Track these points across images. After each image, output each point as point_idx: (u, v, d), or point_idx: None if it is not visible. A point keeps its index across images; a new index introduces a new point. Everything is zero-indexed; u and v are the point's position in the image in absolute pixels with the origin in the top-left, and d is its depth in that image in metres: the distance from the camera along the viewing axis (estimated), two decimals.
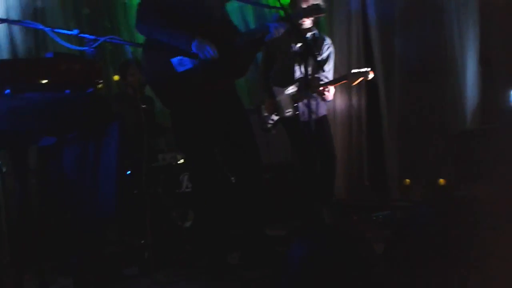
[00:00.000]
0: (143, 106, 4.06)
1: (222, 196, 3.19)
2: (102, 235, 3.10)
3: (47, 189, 3.17)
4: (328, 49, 3.95)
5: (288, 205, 4.30)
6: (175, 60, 2.94)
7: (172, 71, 2.94)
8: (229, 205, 3.24)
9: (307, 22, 3.84)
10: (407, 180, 4.39)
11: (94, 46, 2.59)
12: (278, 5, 2.95)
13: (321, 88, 3.67)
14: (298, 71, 3.83)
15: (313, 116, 3.66)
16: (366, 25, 4.71)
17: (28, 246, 2.64)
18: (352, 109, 4.76)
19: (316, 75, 3.79)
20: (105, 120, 2.62)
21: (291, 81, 3.83)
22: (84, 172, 2.84)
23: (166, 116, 3.89)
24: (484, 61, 3.89)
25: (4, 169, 2.58)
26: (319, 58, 3.89)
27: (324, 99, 3.75)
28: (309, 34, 3.89)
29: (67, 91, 2.44)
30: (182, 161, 4.24)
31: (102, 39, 2.56)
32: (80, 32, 2.64)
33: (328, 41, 3.98)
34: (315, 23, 4.00)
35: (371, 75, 3.61)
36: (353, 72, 3.64)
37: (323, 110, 3.94)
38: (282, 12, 3.05)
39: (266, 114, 3.93)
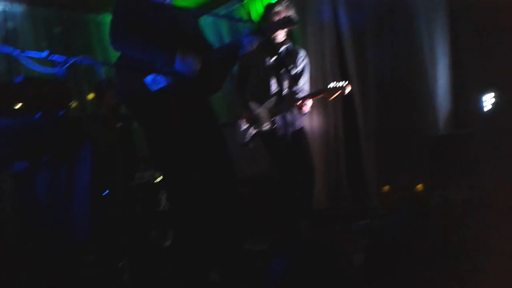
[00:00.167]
0: (118, 125, 4.03)
1: (201, 213, 3.16)
2: (79, 257, 3.05)
3: (21, 214, 3.12)
4: (302, 61, 3.97)
5: (267, 219, 4.29)
6: (148, 79, 2.91)
7: (145, 90, 2.91)
8: (209, 222, 3.22)
9: (281, 35, 3.86)
10: (386, 187, 4.42)
11: (65, 67, 2.56)
12: (251, 19, 2.96)
13: (298, 102, 3.68)
14: (274, 85, 3.84)
15: (291, 129, 3.68)
16: (339, 35, 4.75)
17: (2, 272, 2.59)
18: (328, 119, 4.79)
19: (292, 88, 3.81)
20: (77, 142, 2.59)
21: (267, 95, 3.84)
22: (57, 196, 2.81)
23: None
24: (455, 67, 3.94)
25: None
26: (294, 71, 3.91)
27: (301, 112, 3.77)
28: (283, 48, 3.91)
29: (38, 114, 2.42)
30: (160, 179, 4.21)
31: (72, 60, 2.52)
32: (52, 53, 2.60)
33: (302, 53, 4.00)
34: (289, 36, 4.02)
35: (348, 89, 3.62)
36: (331, 87, 3.64)
37: (300, 122, 3.96)
38: (254, 26, 3.06)
39: (243, 128, 3.93)
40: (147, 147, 3.25)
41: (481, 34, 3.69)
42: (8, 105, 2.33)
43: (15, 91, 2.38)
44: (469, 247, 2.30)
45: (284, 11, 3.78)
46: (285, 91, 3.71)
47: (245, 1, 5.35)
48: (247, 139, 3.92)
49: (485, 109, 3.28)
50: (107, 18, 5.91)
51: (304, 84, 3.95)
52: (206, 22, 5.94)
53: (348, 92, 3.71)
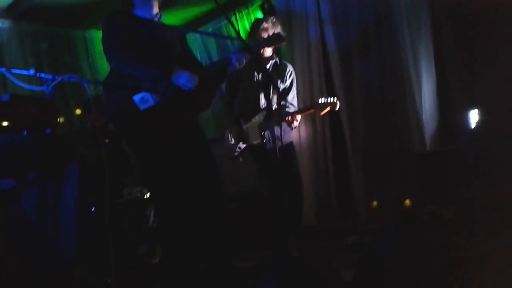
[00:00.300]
0: (106, 141, 4.01)
1: (190, 229, 3.15)
2: (66, 275, 3.01)
3: (8, 233, 3.08)
4: (290, 76, 3.99)
5: (256, 235, 4.27)
6: (137, 97, 2.91)
7: (134, 109, 2.91)
8: (197, 238, 3.20)
9: (268, 51, 3.89)
10: (375, 203, 4.43)
11: (52, 85, 2.54)
12: (239, 36, 2.97)
13: (288, 118, 3.69)
14: (263, 100, 3.85)
15: (280, 144, 3.68)
16: (325, 52, 4.79)
17: None
18: (317, 135, 4.81)
19: (280, 103, 3.82)
20: (64, 160, 2.57)
21: (256, 109, 3.85)
22: (44, 214, 2.78)
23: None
24: (441, 83, 3.98)
25: None
26: (282, 86, 3.93)
27: (290, 127, 3.77)
28: (270, 62, 3.93)
29: (25, 133, 2.40)
30: (148, 195, 4.18)
31: (59, 78, 2.51)
32: (39, 69, 2.59)
33: (289, 67, 4.02)
34: (276, 51, 4.05)
35: (338, 105, 3.64)
36: (320, 102, 3.65)
37: (289, 137, 3.97)
38: (243, 43, 3.08)
39: (232, 142, 3.93)
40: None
41: (467, 51, 3.75)
42: None
43: (2, 109, 2.35)
44: (458, 263, 2.31)
45: (271, 28, 3.81)
46: (273, 106, 3.71)
47: (232, 18, 5.39)
48: (236, 153, 3.92)
49: (472, 125, 3.32)
50: (94, 34, 5.92)
51: (292, 98, 3.97)
52: (193, 38, 5.97)
53: (335, 109, 3.73)
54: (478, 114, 3.32)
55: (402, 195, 4.11)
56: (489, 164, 2.96)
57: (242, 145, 3.89)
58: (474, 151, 3.24)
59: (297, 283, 1.99)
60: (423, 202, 3.45)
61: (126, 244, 3.78)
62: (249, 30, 4.09)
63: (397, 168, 4.22)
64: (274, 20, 3.91)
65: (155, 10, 3.09)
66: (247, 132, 3.86)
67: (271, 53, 3.93)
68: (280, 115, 3.68)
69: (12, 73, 2.49)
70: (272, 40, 3.38)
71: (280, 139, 3.69)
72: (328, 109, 3.64)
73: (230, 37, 5.23)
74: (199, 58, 5.19)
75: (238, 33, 2.88)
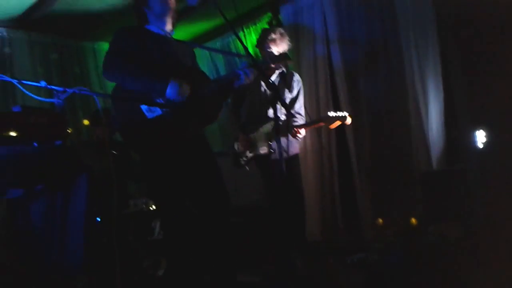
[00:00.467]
0: (113, 152, 4.04)
1: (195, 243, 3.15)
2: (71, 285, 3.02)
3: (15, 242, 3.09)
4: (298, 85, 3.99)
5: (261, 249, 4.26)
6: (144, 106, 2.94)
7: (142, 117, 2.94)
8: (202, 252, 3.20)
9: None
10: (380, 220, 4.42)
11: (63, 97, 2.57)
12: (247, 52, 2.99)
13: (296, 129, 3.69)
14: (270, 109, 3.83)
15: (286, 156, 3.68)
16: (332, 70, 4.81)
17: None
18: (322, 151, 4.81)
19: (288, 112, 3.81)
20: (73, 171, 2.60)
21: (263, 118, 3.84)
22: (52, 224, 2.80)
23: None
24: (448, 102, 3.98)
25: None
26: (290, 96, 3.93)
27: (297, 138, 3.77)
28: (277, 72, 3.93)
29: (35, 144, 2.43)
30: (154, 207, 4.19)
31: (70, 90, 2.54)
32: (48, 79, 2.63)
33: (296, 77, 4.02)
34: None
35: (349, 120, 3.63)
36: (331, 116, 3.63)
37: (295, 149, 3.96)
38: (250, 59, 3.11)
39: (239, 150, 3.92)
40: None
41: (474, 70, 3.75)
42: (6, 134, 2.33)
43: (12, 121, 2.39)
44: (463, 283, 2.30)
45: (279, 39, 3.83)
46: (281, 115, 3.71)
47: (240, 34, 5.43)
48: (243, 162, 3.90)
49: (478, 145, 3.31)
50: (103, 46, 5.98)
51: (299, 108, 3.97)
52: (202, 52, 6.01)
53: (341, 125, 3.73)
54: (485, 134, 3.32)
55: (407, 214, 4.10)
56: (495, 184, 2.95)
57: (249, 154, 3.88)
58: (481, 171, 3.23)
59: None
60: (428, 221, 3.44)
61: (130, 256, 3.78)
62: (256, 40, 4.08)
63: (402, 186, 4.21)
64: (282, 31, 3.93)
65: (168, 27, 3.15)
66: (255, 141, 3.85)
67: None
68: (289, 125, 3.66)
69: (23, 84, 2.52)
70: (279, 58, 3.39)
71: (287, 150, 3.69)
72: (338, 123, 3.63)
73: (237, 54, 5.27)
74: (206, 72, 5.25)
75: (246, 49, 2.90)
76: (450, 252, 2.71)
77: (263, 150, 3.80)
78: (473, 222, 3.00)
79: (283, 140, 3.55)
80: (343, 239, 4.64)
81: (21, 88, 2.50)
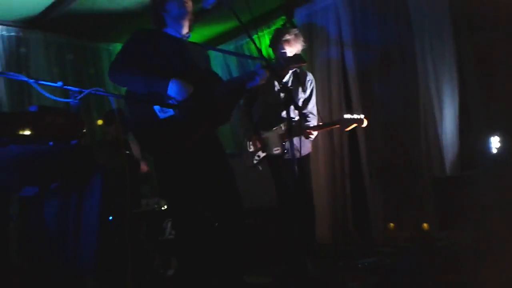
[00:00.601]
0: (127, 152, 4.07)
1: (206, 244, 3.16)
2: (81, 284, 3.04)
3: (28, 239, 3.12)
4: (311, 85, 3.98)
5: (271, 251, 4.26)
6: (157, 106, 2.97)
7: (154, 118, 2.97)
8: (213, 253, 3.21)
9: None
10: (392, 224, 4.40)
11: (78, 98, 2.59)
12: (261, 54, 3.00)
13: (311, 130, 3.68)
14: (283, 109, 3.78)
15: (298, 155, 3.68)
16: (345, 73, 4.80)
17: None
18: (334, 153, 4.80)
19: (301, 112, 3.80)
20: (88, 171, 2.62)
21: (276, 118, 3.83)
22: (65, 223, 2.82)
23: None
24: (463, 108, 3.96)
25: None
26: (303, 96, 3.93)
27: (309, 138, 3.77)
28: (290, 72, 3.91)
29: (50, 143, 2.45)
30: (165, 207, 4.21)
31: (86, 91, 2.56)
32: (64, 80, 2.66)
33: (310, 76, 4.01)
34: None
35: (365, 123, 3.60)
36: (346, 118, 3.61)
37: (307, 149, 3.96)
38: (264, 62, 3.12)
39: (252, 150, 3.92)
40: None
41: (489, 77, 3.73)
42: (21, 133, 2.36)
43: (29, 120, 2.41)
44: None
45: (293, 40, 3.83)
46: (294, 115, 3.67)
47: (254, 37, 5.43)
48: (255, 161, 3.91)
49: (493, 151, 3.29)
50: (118, 47, 6.01)
51: (312, 107, 3.97)
52: (215, 54, 6.03)
53: (353, 129, 3.71)
54: (499, 139, 3.30)
55: (419, 219, 4.08)
56: (509, 190, 2.93)
57: (262, 154, 3.88)
58: (494, 177, 3.21)
59: None
60: (441, 226, 3.42)
61: (141, 255, 3.81)
62: (270, 39, 4.06)
63: (415, 191, 4.18)
64: (297, 32, 3.92)
65: (185, 30, 3.18)
66: (268, 141, 3.85)
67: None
68: (301, 127, 3.66)
69: (39, 84, 2.55)
70: (293, 61, 3.39)
71: (299, 150, 3.69)
72: (353, 125, 3.61)
73: (251, 56, 5.27)
74: (219, 74, 5.26)
75: (260, 51, 2.91)
76: (462, 259, 2.69)
77: (277, 150, 3.80)
78: (486, 229, 2.97)
79: (296, 140, 3.55)
80: (354, 242, 4.63)
81: (38, 88, 2.52)
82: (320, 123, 3.89)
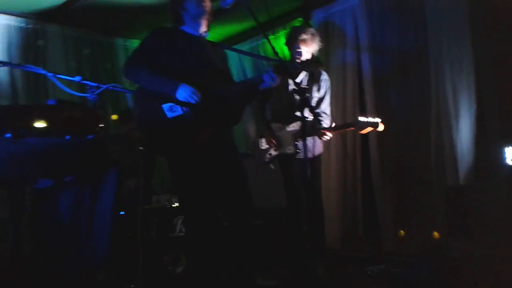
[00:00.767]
0: (140, 148, 4.09)
1: (216, 242, 3.17)
2: (91, 277, 3.06)
3: (41, 231, 3.15)
4: (325, 84, 3.96)
5: (278, 253, 4.26)
6: (166, 105, 2.98)
7: (163, 117, 2.98)
8: (222, 252, 3.22)
9: (303, 59, 3.85)
10: (402, 232, 4.37)
11: (96, 93, 2.61)
12: (276, 55, 2.99)
13: (325, 131, 3.67)
14: (297, 108, 3.80)
15: (310, 155, 3.67)
16: (360, 76, 4.78)
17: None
18: (347, 158, 4.78)
19: (315, 112, 3.79)
20: (103, 166, 2.64)
21: (291, 118, 3.83)
22: (79, 216, 2.84)
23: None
24: (479, 118, 3.92)
25: None
26: (317, 95, 3.92)
27: (321, 139, 3.75)
28: (306, 70, 3.90)
29: (67, 137, 2.48)
30: (176, 204, 4.22)
31: (104, 86, 2.57)
32: (81, 74, 2.67)
33: (324, 75, 3.98)
34: (312, 57, 3.97)
35: (381, 127, 3.56)
36: (362, 121, 3.57)
37: (320, 148, 3.95)
38: (279, 63, 3.12)
39: (264, 147, 3.92)
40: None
41: (506, 86, 3.70)
42: (39, 126, 2.38)
43: (46, 113, 2.43)
44: None
45: (310, 39, 3.82)
46: (308, 114, 3.67)
47: (270, 37, 5.44)
48: (266, 159, 3.90)
49: (507, 162, 3.27)
50: (135, 43, 6.05)
51: (326, 107, 3.96)
52: (230, 53, 6.02)
53: (365, 135, 3.68)
54: None
55: (430, 227, 4.05)
56: None
57: (274, 152, 3.88)
58: (508, 188, 3.19)
59: None
60: (452, 236, 3.39)
61: (151, 251, 3.82)
62: (286, 37, 4.05)
63: (427, 199, 4.15)
64: (314, 31, 3.91)
65: (203, 28, 3.19)
66: (281, 140, 3.85)
67: (308, 58, 3.90)
68: (315, 127, 3.65)
69: (58, 78, 2.57)
70: (309, 64, 3.38)
71: (313, 150, 3.68)
72: (369, 129, 3.57)
73: (266, 57, 5.27)
74: (234, 73, 5.26)
75: (276, 52, 2.92)
76: (474, 269, 2.68)
77: (290, 150, 3.79)
78: (498, 239, 2.95)
79: (309, 140, 3.53)
80: (363, 248, 4.61)
81: (56, 82, 2.54)
82: (335, 124, 3.88)
